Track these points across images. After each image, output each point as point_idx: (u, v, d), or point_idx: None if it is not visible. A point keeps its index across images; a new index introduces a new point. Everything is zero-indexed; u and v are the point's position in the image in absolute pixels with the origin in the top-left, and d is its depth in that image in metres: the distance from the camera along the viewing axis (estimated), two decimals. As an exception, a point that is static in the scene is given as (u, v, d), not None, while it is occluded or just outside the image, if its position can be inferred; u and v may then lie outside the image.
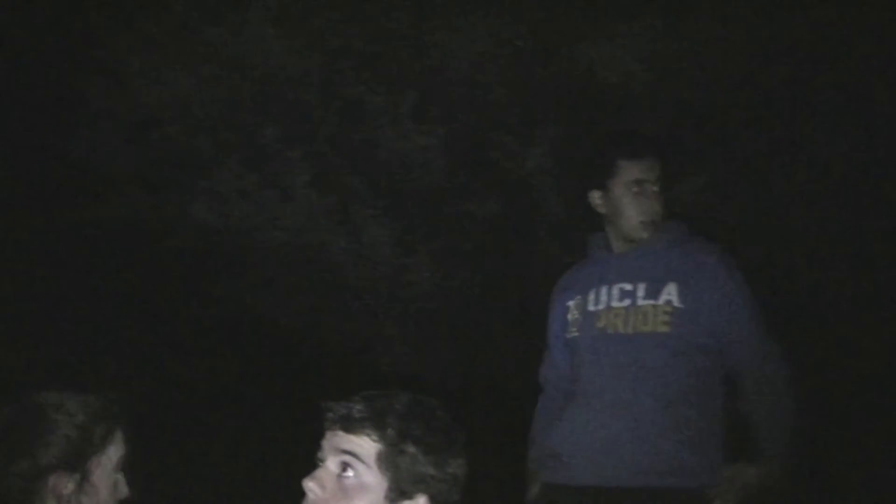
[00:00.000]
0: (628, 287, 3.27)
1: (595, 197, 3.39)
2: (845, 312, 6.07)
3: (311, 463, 2.06)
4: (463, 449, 2.10)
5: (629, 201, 3.31)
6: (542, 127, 5.14)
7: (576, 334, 3.32)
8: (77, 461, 2.32)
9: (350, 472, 2.05)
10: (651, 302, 3.21)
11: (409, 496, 2.04)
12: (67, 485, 2.30)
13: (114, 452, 2.39)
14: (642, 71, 4.97)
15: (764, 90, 5.19)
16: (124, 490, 2.41)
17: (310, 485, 2.05)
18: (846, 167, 5.43)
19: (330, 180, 5.61)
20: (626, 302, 3.25)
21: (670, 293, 3.22)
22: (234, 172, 5.64)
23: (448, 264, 5.72)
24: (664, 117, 4.98)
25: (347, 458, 2.04)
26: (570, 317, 3.36)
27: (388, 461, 2.03)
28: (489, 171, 5.33)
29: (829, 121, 5.33)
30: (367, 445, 2.05)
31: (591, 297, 3.32)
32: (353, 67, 5.36)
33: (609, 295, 3.29)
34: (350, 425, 2.05)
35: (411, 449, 2.04)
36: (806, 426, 3.18)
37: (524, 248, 5.40)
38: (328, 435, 2.08)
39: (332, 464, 2.05)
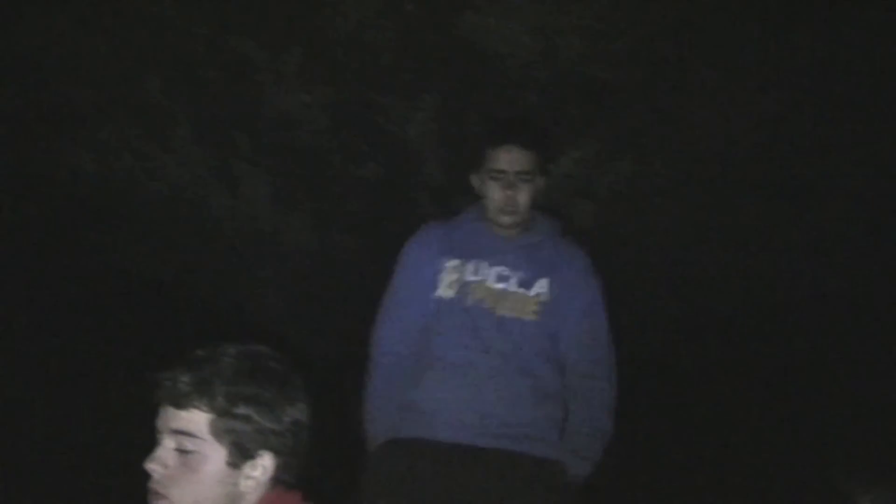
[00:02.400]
0: (505, 272, 3.38)
1: (472, 178, 3.48)
2: (717, 287, 6.23)
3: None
4: (301, 392, 2.10)
5: (492, 188, 3.40)
6: (427, 93, 5.13)
7: (451, 296, 3.36)
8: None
9: (187, 448, 2.04)
10: (524, 291, 3.33)
11: (252, 456, 2.05)
12: None
13: None
14: (530, 42, 4.99)
15: (649, 66, 5.25)
16: None
17: (151, 466, 2.04)
18: (723, 144, 5.55)
19: (212, 135, 5.54)
20: (501, 285, 3.35)
21: (542, 287, 3.34)
22: (116, 123, 5.52)
23: (327, 225, 5.70)
24: (546, 90, 5.02)
25: (180, 436, 2.03)
26: (446, 277, 3.39)
27: (222, 429, 2.03)
28: (372, 133, 5.31)
29: (709, 99, 5.42)
30: (198, 418, 2.04)
31: (471, 267, 3.39)
32: (240, 22, 5.28)
33: (487, 273, 3.37)
34: (178, 400, 2.03)
35: (244, 410, 2.03)
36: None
37: (404, 212, 5.42)
38: (160, 412, 2.07)
39: (168, 442, 2.04)
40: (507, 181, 3.37)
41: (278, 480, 2.13)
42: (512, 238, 3.45)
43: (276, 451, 2.08)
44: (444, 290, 3.39)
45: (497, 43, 4.91)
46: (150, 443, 2.08)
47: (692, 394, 6.65)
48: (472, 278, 3.37)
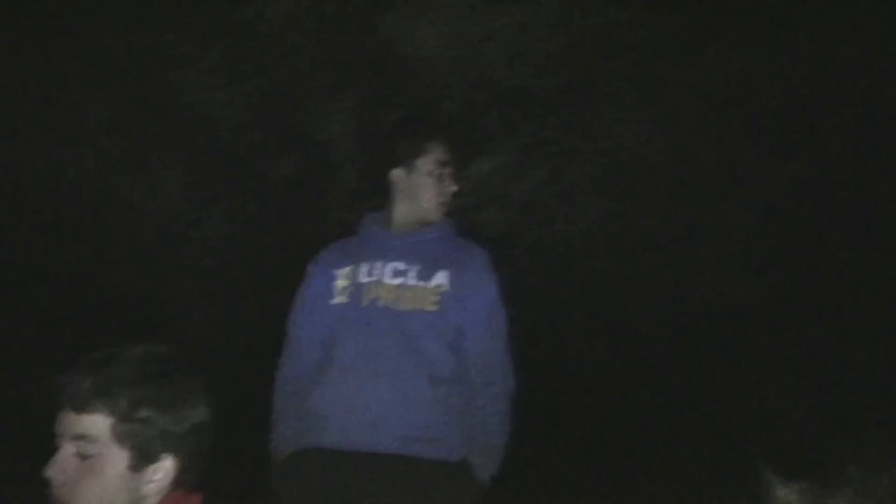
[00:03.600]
0: (402, 266, 3.36)
1: (397, 174, 3.45)
2: (625, 294, 6.32)
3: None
4: (202, 395, 2.09)
5: (432, 182, 3.41)
6: (345, 94, 5.15)
7: (344, 301, 3.37)
8: None
9: (88, 453, 2.02)
10: (422, 284, 3.32)
11: (154, 459, 2.03)
12: None
13: None
14: (449, 47, 5.04)
15: (565, 76, 5.33)
16: None
17: (51, 473, 2.01)
18: (635, 155, 5.64)
19: (127, 126, 5.48)
20: (399, 280, 3.33)
21: (441, 278, 3.33)
22: (28, 113, 5.44)
23: (240, 221, 5.68)
24: (464, 95, 5.06)
25: (80, 441, 2.01)
26: (338, 284, 3.39)
27: (124, 433, 2.01)
28: (290, 132, 5.31)
29: (623, 111, 5.52)
30: (99, 423, 2.01)
31: (364, 269, 3.37)
32: (161, 15, 5.24)
33: (382, 270, 3.36)
34: (79, 404, 2.01)
35: (146, 413, 2.01)
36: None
37: (318, 210, 5.42)
38: (61, 416, 2.03)
39: (69, 447, 2.01)
40: (445, 174, 3.40)
41: (180, 483, 2.12)
42: (408, 235, 3.44)
43: (178, 454, 2.07)
44: (338, 298, 3.38)
45: (417, 47, 4.95)
46: (52, 445, 2.07)
47: (598, 397, 6.74)
48: (366, 279, 3.35)
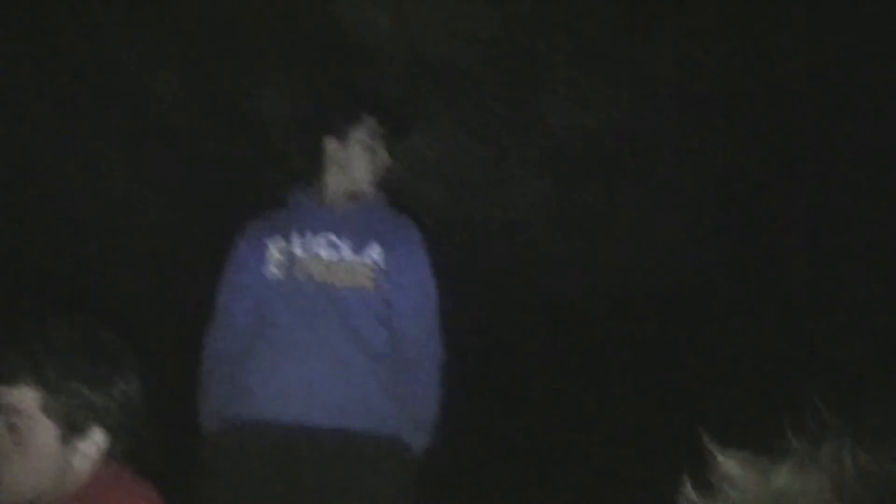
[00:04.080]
0: (335, 239, 3.36)
1: (330, 143, 3.45)
2: (567, 274, 6.36)
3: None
4: (134, 367, 2.09)
5: (365, 154, 3.40)
6: (286, 73, 5.12)
7: (278, 275, 3.36)
8: None
9: (17, 425, 2.01)
10: (357, 258, 3.34)
11: (84, 432, 2.03)
12: None
13: None
14: (390, 25, 5.02)
15: (509, 57, 5.34)
16: None
17: None
18: (576, 137, 5.67)
19: (67, 108, 5.41)
20: (333, 254, 3.34)
21: (375, 253, 3.35)
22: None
23: (178, 200, 5.64)
24: (404, 73, 5.06)
25: (9, 414, 2.01)
26: (271, 256, 3.39)
27: (52, 406, 2.01)
28: (226, 111, 5.27)
29: (566, 92, 5.54)
30: (27, 396, 2.01)
31: (296, 240, 3.37)
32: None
33: (316, 243, 3.36)
34: (7, 377, 2.00)
35: (75, 386, 2.01)
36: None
37: (256, 189, 5.38)
38: None
39: None
40: (378, 147, 3.39)
41: (111, 456, 2.12)
42: (337, 208, 3.44)
43: (108, 427, 2.07)
44: (272, 271, 3.38)
45: (357, 25, 4.93)
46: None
47: (540, 377, 6.77)
48: (300, 252, 3.36)
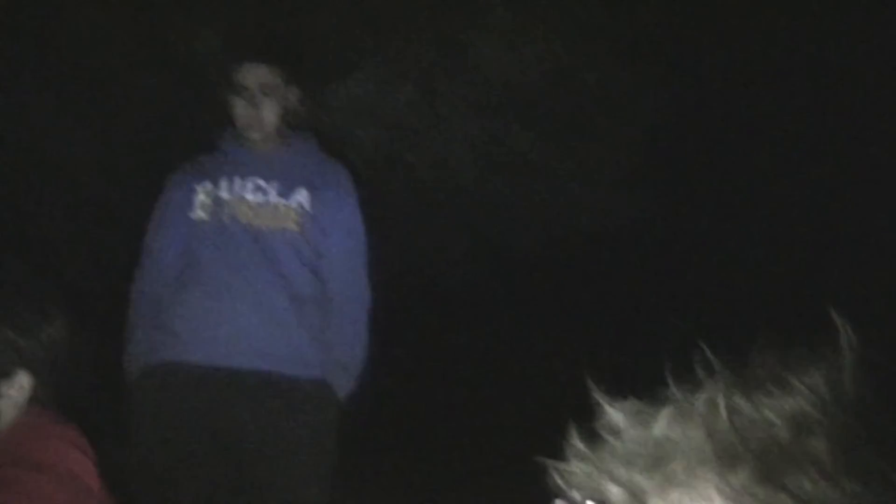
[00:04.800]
0: (262, 183, 3.36)
1: (230, 89, 3.44)
2: (502, 216, 6.40)
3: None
4: (60, 311, 2.08)
5: (241, 102, 3.39)
6: (214, 10, 5.05)
7: (204, 218, 3.35)
8: None
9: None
10: (283, 202, 3.34)
11: (8, 375, 2.02)
12: None
13: None
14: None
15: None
16: None
17: None
18: (511, 78, 5.68)
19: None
20: (260, 197, 3.33)
21: (301, 196, 3.35)
22: None
23: (112, 141, 5.57)
24: (336, 14, 5.01)
25: None
26: (198, 199, 3.37)
27: None
28: (159, 50, 5.19)
29: (499, 36, 5.54)
30: None
31: (224, 184, 3.36)
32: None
33: (242, 186, 3.35)
34: None
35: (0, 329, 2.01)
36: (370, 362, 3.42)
37: (188, 128, 5.32)
38: None
39: None
40: (249, 97, 3.35)
41: (37, 400, 2.11)
42: (267, 152, 3.42)
43: (33, 370, 2.06)
44: (198, 213, 3.37)
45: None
46: None
47: (470, 318, 6.81)
48: (227, 196, 3.34)
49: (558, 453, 0.96)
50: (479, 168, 6.00)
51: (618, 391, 0.98)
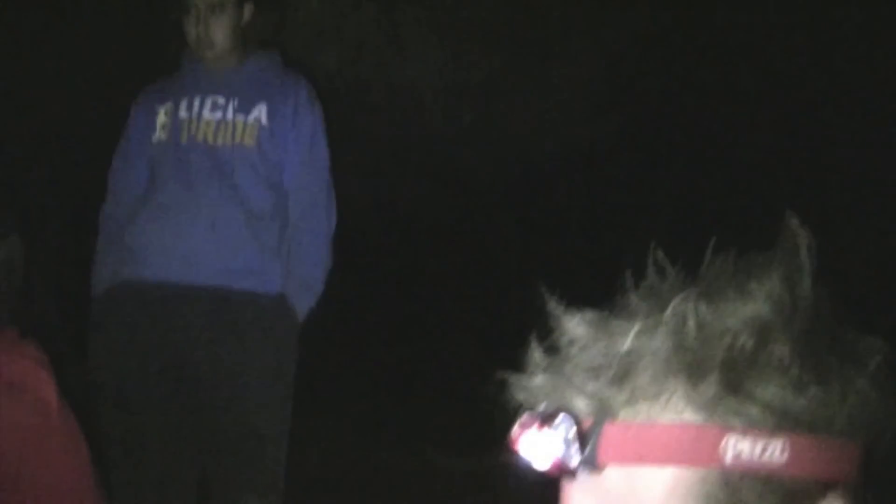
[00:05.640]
0: (220, 100, 3.35)
1: (182, 8, 3.40)
2: (463, 138, 6.39)
3: None
4: (11, 228, 2.07)
5: (187, 24, 3.36)
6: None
7: (164, 139, 3.34)
8: None
9: None
10: (241, 118, 3.32)
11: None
12: None
13: None
14: None
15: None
16: None
17: None
18: (474, 10, 5.64)
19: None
20: (218, 115, 3.32)
21: (260, 112, 3.33)
22: None
23: (73, 62, 5.49)
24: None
25: None
26: (158, 121, 3.36)
27: None
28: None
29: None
30: None
31: (183, 104, 3.35)
32: None
33: (201, 105, 3.34)
34: None
35: None
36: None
37: (151, 49, 5.25)
38: None
39: None
40: (197, 16, 3.32)
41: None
42: (226, 70, 3.40)
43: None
44: (159, 135, 3.36)
45: None
46: None
47: (428, 241, 6.81)
48: (185, 115, 3.33)
49: (521, 369, 0.96)
50: (442, 92, 5.97)
51: (578, 306, 0.97)
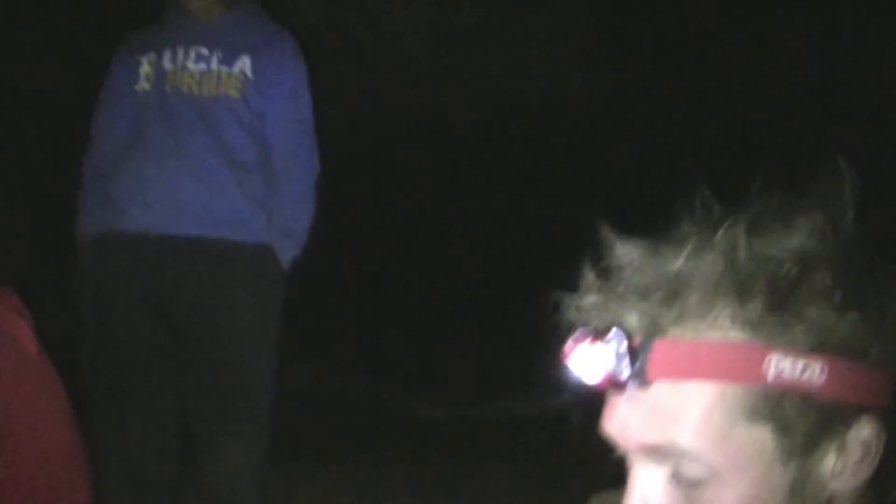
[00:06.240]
0: (204, 51, 3.34)
1: None
2: (443, 85, 6.36)
3: None
4: None
5: None
6: None
7: (148, 89, 3.32)
8: None
9: None
10: (225, 69, 3.31)
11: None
12: None
13: None
14: None
15: None
16: None
17: None
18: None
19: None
20: (202, 66, 3.32)
21: (244, 64, 3.32)
22: None
23: (52, 9, 5.43)
24: None
25: None
26: (142, 71, 3.34)
27: None
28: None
29: None
30: None
31: (167, 55, 3.34)
32: None
33: (185, 55, 3.33)
34: None
35: None
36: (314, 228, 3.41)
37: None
38: None
39: None
40: None
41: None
42: (210, 21, 3.38)
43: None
44: (143, 85, 3.34)
45: None
46: None
47: (414, 188, 6.81)
48: (170, 66, 3.31)
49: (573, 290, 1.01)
50: (428, 40, 5.93)
51: (626, 232, 1.01)
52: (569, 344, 0.99)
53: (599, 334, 0.96)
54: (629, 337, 0.96)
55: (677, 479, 0.98)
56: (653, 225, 1.01)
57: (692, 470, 0.96)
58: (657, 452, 0.98)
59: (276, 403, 3.36)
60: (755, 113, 6.23)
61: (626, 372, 0.95)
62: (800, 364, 0.93)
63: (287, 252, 3.34)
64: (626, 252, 1.00)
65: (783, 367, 0.93)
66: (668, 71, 6.39)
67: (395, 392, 6.85)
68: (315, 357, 6.83)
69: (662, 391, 0.96)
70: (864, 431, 0.97)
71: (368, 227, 6.61)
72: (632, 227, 1.02)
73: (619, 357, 0.95)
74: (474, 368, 6.55)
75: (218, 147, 3.26)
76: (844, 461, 0.97)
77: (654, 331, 0.96)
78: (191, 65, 3.31)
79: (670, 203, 1.02)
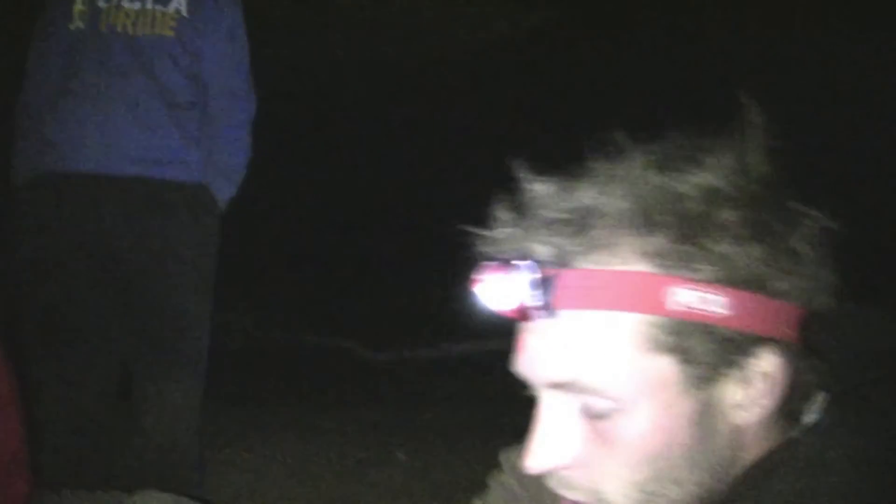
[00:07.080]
0: None
1: None
2: (419, 30, 6.34)
3: None
4: None
5: None
6: None
7: (81, 27, 3.28)
8: None
9: None
10: (160, 8, 3.27)
11: None
12: None
13: None
14: None
15: None
16: None
17: None
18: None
19: None
20: (136, 4, 3.27)
21: (179, 3, 3.28)
22: None
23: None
24: None
25: None
26: (75, 8, 3.29)
27: None
28: None
29: None
30: None
31: None
32: None
33: None
34: None
35: None
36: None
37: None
38: None
39: None
40: None
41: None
42: None
43: None
44: (76, 23, 3.29)
45: None
46: None
47: (343, 128, 6.79)
48: (104, 4, 3.26)
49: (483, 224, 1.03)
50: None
51: (537, 171, 1.03)
52: (479, 273, 1.02)
53: (510, 265, 0.98)
54: (539, 268, 0.97)
55: (586, 412, 1.00)
56: (571, 164, 1.04)
57: (598, 403, 0.98)
58: (564, 388, 1.00)
59: (221, 351, 3.38)
60: (679, 58, 6.28)
61: (534, 301, 0.97)
62: (701, 295, 0.95)
63: (224, 191, 3.34)
64: (539, 188, 1.02)
65: (685, 297, 0.95)
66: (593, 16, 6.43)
67: (337, 338, 6.87)
68: (255, 301, 6.84)
69: (569, 321, 0.98)
70: (766, 363, 0.99)
71: (306, 171, 6.59)
72: (551, 167, 1.04)
73: (528, 286, 0.97)
74: (413, 312, 6.59)
75: (154, 87, 3.23)
76: (747, 392, 0.99)
77: (561, 261, 0.98)
78: (125, 3, 3.26)
79: (589, 144, 1.03)
